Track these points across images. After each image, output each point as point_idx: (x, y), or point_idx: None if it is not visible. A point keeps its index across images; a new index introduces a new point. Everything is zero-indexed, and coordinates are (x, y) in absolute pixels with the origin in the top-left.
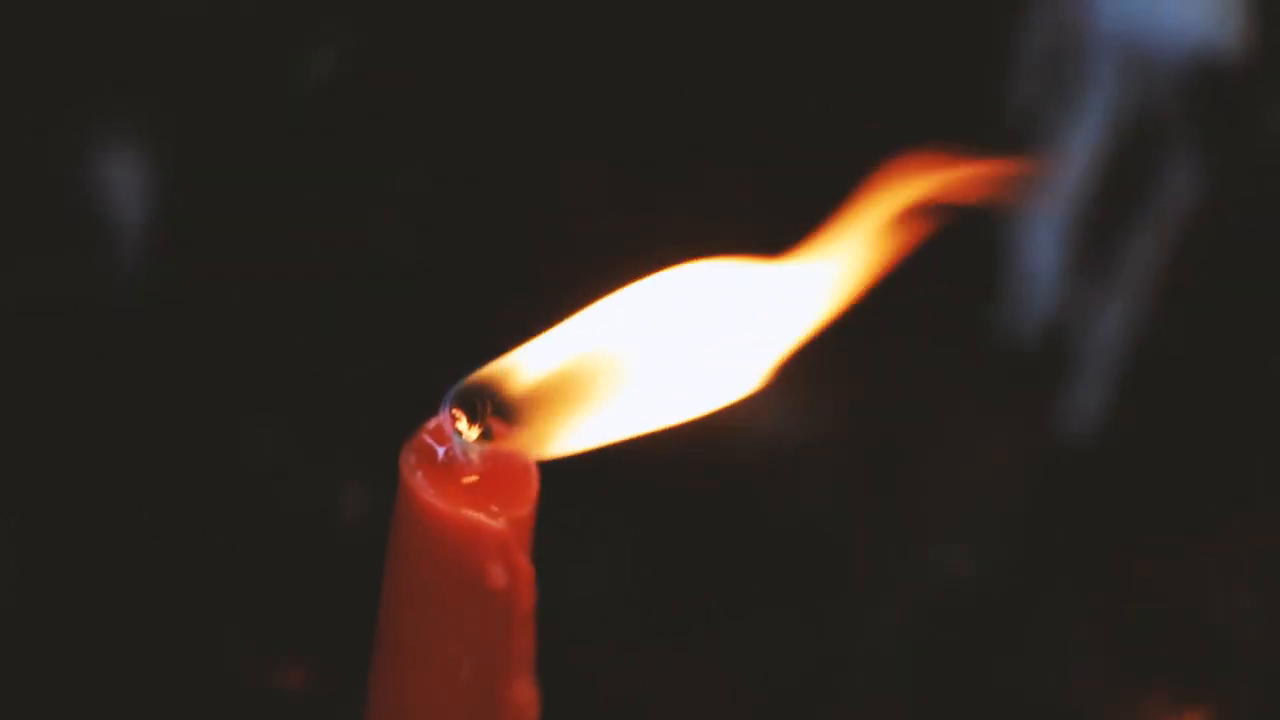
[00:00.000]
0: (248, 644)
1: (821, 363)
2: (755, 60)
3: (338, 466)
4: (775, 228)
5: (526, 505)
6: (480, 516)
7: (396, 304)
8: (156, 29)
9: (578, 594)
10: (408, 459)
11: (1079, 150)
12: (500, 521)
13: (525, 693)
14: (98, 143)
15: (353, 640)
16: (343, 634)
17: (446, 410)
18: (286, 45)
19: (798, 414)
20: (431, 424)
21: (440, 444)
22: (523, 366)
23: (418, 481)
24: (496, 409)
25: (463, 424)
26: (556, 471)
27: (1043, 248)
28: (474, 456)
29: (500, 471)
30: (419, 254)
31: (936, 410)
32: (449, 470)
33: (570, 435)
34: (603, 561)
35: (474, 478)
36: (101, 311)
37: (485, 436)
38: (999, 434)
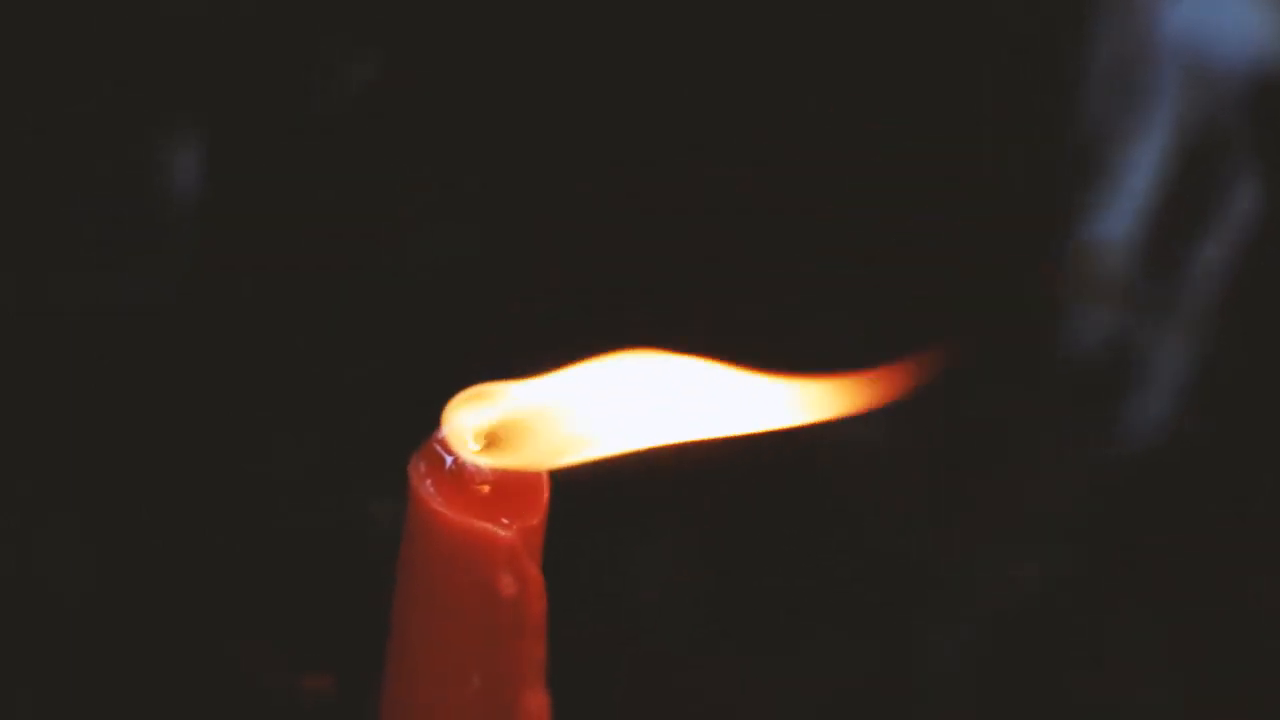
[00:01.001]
0: (271, 650)
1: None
2: (805, 70)
3: (369, 474)
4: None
5: (537, 514)
6: (490, 526)
7: (426, 311)
8: (165, 29)
9: (645, 599)
10: (417, 468)
11: (1144, 162)
12: (511, 531)
13: (537, 702)
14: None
15: (376, 647)
16: (367, 641)
17: (452, 422)
18: (301, 50)
19: (872, 427)
20: (441, 433)
21: (450, 453)
22: (521, 397)
23: (427, 491)
24: (503, 418)
25: (468, 435)
26: (625, 476)
27: (1109, 257)
28: (483, 467)
29: (511, 481)
30: (436, 256)
31: (1005, 423)
32: (459, 479)
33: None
34: (671, 567)
35: (485, 487)
36: (142, 316)
37: (491, 448)
38: (1066, 446)
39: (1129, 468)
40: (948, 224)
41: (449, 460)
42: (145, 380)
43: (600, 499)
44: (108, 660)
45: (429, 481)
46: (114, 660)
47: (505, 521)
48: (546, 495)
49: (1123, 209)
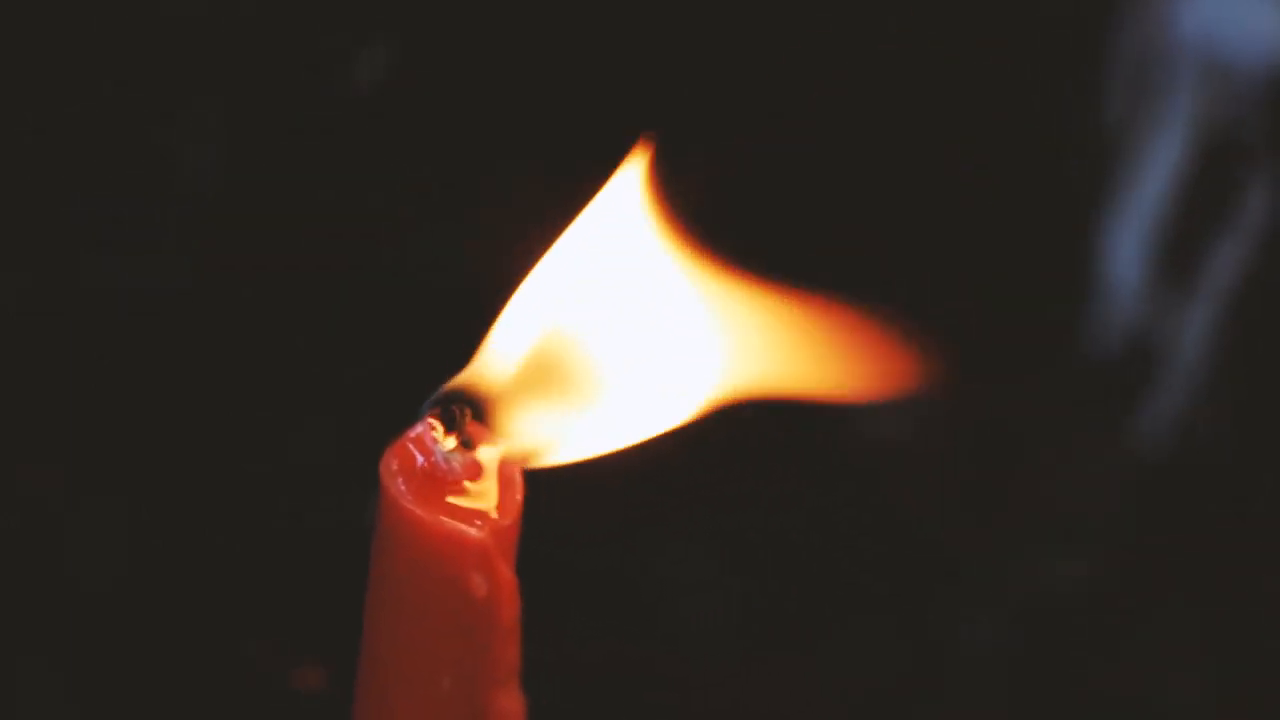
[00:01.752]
0: (268, 646)
1: (925, 373)
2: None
3: (368, 473)
4: None
5: (510, 514)
6: (461, 525)
7: (426, 311)
8: (164, 29)
9: (678, 595)
10: (389, 466)
11: (1162, 160)
12: (482, 531)
13: (510, 704)
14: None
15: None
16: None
17: (424, 420)
18: (301, 51)
19: (904, 422)
20: (414, 431)
21: (423, 452)
22: (494, 362)
23: (398, 489)
24: (476, 415)
25: (439, 434)
26: (657, 472)
27: (1126, 256)
28: (456, 465)
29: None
30: (436, 256)
31: (1032, 422)
32: (431, 478)
33: (557, 441)
34: (703, 562)
35: (457, 486)
36: (143, 316)
37: (465, 445)
38: (1092, 444)
39: (1155, 465)
40: (967, 223)
41: (420, 459)
42: (146, 379)
43: (624, 497)
44: (111, 654)
45: (400, 480)
46: (116, 654)
47: (478, 522)
48: (521, 495)
49: (1140, 207)
